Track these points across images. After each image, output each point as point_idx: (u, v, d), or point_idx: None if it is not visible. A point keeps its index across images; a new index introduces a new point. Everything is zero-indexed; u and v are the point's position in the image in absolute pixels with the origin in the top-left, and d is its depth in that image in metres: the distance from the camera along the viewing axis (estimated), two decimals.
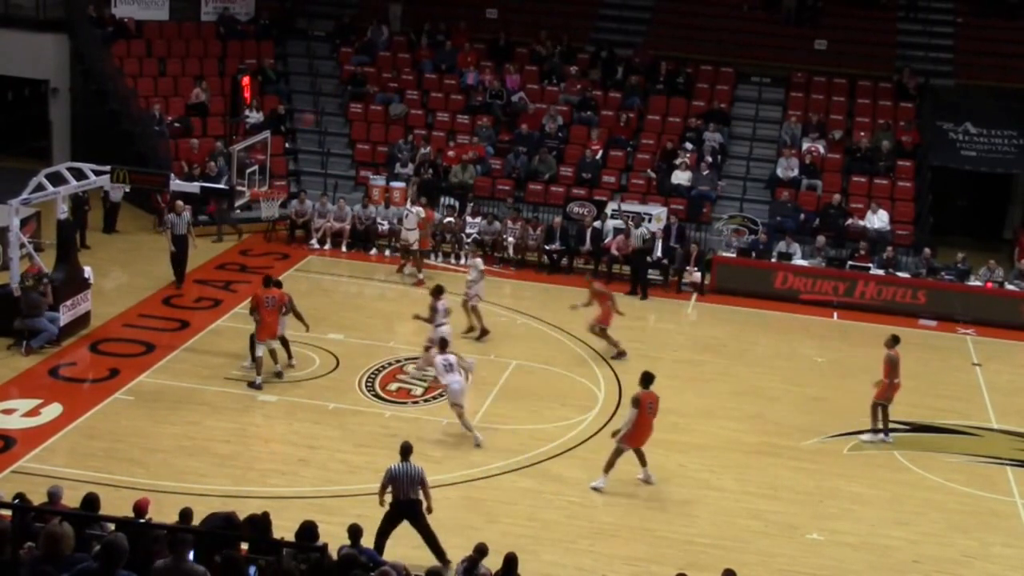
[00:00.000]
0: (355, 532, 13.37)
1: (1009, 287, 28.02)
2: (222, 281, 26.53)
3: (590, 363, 23.30)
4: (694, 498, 18.24)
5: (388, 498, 15.30)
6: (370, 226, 29.81)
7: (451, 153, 32.11)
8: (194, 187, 24.67)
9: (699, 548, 16.62)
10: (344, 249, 29.47)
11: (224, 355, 22.18)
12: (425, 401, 21.01)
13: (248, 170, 25.47)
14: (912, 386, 22.72)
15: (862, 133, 32.47)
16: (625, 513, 17.50)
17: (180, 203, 25.89)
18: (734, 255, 29.02)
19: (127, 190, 28.86)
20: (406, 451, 15.50)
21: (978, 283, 28.06)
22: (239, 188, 25.00)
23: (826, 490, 18.83)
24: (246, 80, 31.36)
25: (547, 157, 31.81)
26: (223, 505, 15.81)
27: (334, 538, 12.79)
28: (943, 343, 26.34)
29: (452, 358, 19.49)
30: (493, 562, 13.42)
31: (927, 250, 28.73)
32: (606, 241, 29.29)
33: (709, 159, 31.59)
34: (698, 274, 28.59)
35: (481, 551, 13.60)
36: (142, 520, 13.02)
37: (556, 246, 29.34)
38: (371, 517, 15.08)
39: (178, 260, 25.85)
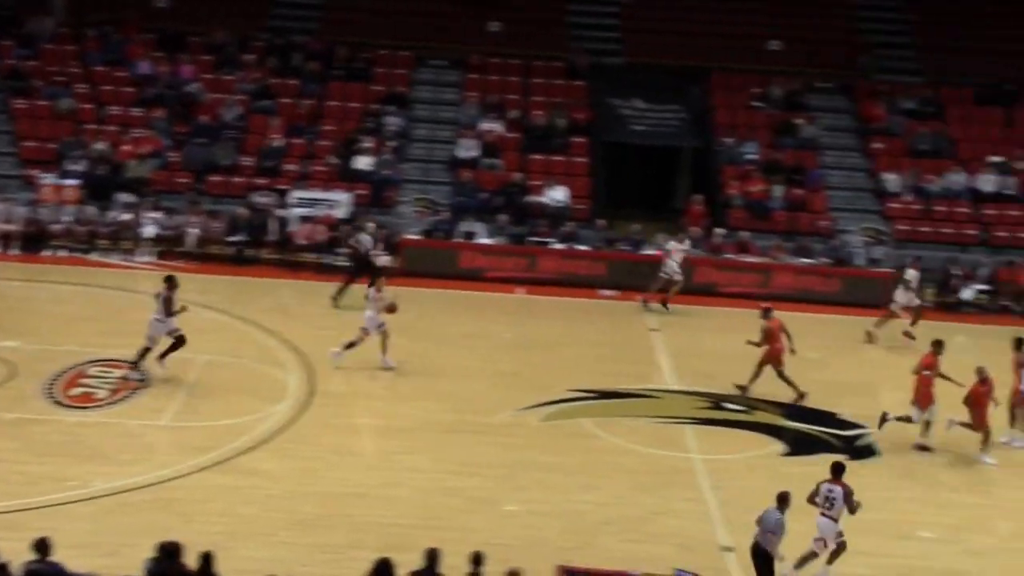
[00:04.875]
0: (42, 546, 12.79)
1: None
2: None
3: (281, 354, 23.08)
4: (393, 481, 18.33)
5: None
6: (42, 227, 28.54)
7: (126, 147, 31.07)
8: None
9: (400, 530, 16.70)
10: (13, 251, 28.06)
11: None
12: (109, 404, 20.31)
13: None
14: (597, 354, 23.59)
15: (538, 112, 33.34)
16: (324, 502, 17.43)
17: None
18: (420, 237, 29.34)
19: None
20: (781, 499, 15.09)
21: (652, 252, 29.36)
22: None
23: (520, 462, 19.27)
24: None
25: (227, 147, 31.26)
26: None
27: (18, 555, 12.24)
28: (623, 311, 27.42)
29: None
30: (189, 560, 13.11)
31: (600, 222, 29.85)
32: (292, 230, 29.06)
33: (391, 143, 31.78)
34: (386, 257, 28.75)
35: (168, 552, 12.98)
36: None
37: (241, 237, 28.89)
38: (60, 530, 14.46)
39: None
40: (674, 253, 27.55)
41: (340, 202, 29.81)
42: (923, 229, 31.10)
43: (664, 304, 27.34)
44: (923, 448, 20.55)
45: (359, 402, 21.13)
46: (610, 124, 33.55)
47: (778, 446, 20.51)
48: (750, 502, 18.09)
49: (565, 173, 31.95)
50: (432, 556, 13.25)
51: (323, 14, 36.11)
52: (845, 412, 21.88)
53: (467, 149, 32.09)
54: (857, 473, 19.53)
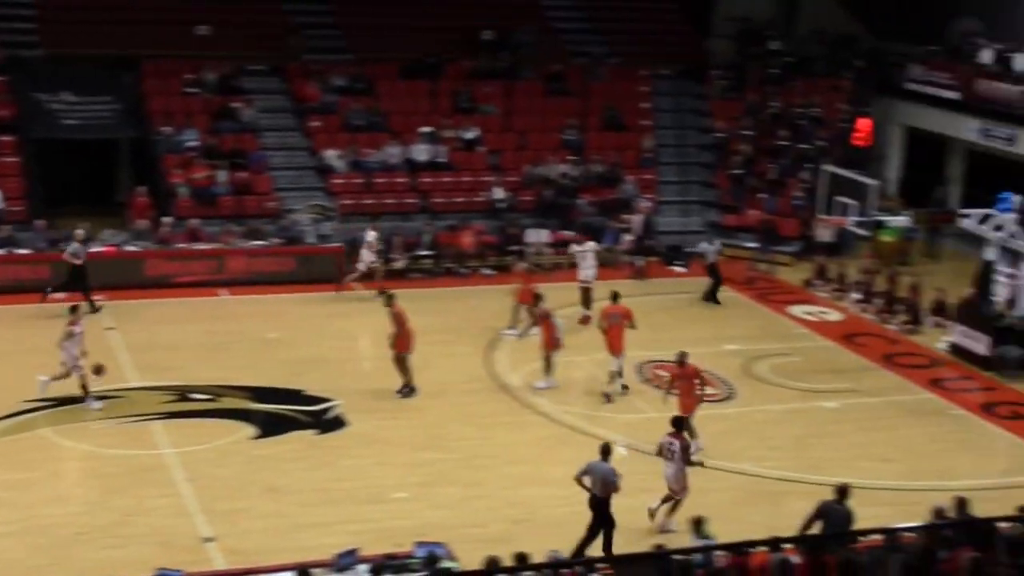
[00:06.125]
0: None
1: (130, 248, 28.74)
2: None
3: None
4: None
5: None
6: None
7: None
8: None
9: None
10: None
11: None
12: None
13: None
14: (52, 361, 22.62)
15: None
16: None
17: None
18: None
19: None
20: (604, 451, 16.48)
21: (101, 248, 28.47)
22: None
23: None
24: None
25: None
26: None
27: None
28: None
29: None
30: None
31: (40, 223, 28.60)
32: None
33: None
34: None
35: None
36: None
37: None
38: None
39: None
40: (370, 241, 28.36)
41: None
42: (367, 202, 32.18)
43: (341, 289, 28.04)
44: (608, 397, 22.06)
45: None
46: (39, 120, 32.03)
47: (249, 430, 20.64)
48: (226, 489, 18.25)
49: None
50: None
51: None
52: (311, 388, 22.35)
53: None
54: (326, 445, 20.19)
